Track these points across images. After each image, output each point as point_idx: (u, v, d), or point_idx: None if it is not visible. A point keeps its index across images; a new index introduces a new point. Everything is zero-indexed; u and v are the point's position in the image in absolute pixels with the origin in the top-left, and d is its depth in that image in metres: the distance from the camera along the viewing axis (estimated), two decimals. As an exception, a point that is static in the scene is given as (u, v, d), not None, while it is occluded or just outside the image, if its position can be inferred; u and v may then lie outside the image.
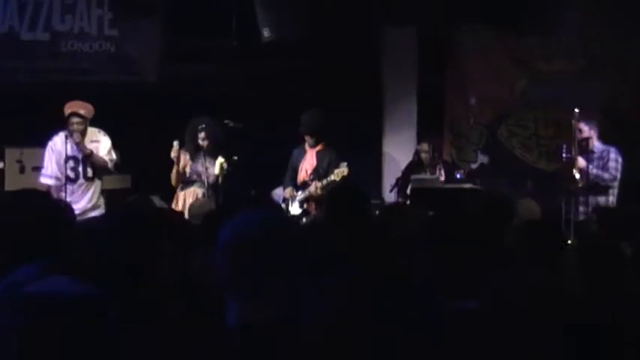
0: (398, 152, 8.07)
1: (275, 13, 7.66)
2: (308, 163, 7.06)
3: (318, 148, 7.06)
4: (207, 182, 6.85)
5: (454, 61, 8.55)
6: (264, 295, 1.82)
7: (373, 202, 7.18)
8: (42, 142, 7.54)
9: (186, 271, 2.42)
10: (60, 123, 6.63)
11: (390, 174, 7.81)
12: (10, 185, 7.86)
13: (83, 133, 6.58)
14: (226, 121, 7.23)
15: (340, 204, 3.85)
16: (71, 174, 6.64)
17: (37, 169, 7.66)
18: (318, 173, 6.98)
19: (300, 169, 7.10)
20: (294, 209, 6.95)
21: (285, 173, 7.26)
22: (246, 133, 7.26)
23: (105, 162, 6.70)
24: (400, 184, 7.33)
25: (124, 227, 2.22)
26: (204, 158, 6.93)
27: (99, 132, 6.72)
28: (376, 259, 2.83)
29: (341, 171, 6.69)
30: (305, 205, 6.95)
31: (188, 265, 2.48)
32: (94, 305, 1.50)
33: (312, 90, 7.99)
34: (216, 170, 6.83)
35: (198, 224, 3.63)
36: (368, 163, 7.70)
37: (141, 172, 7.81)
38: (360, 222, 3.64)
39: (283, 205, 6.94)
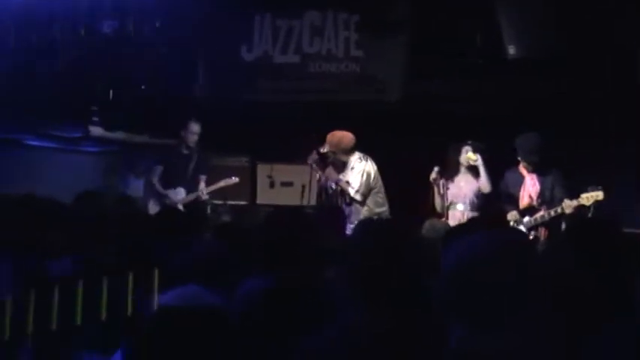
0: None
1: (522, 29, 7.53)
2: (530, 187, 6.80)
3: (537, 172, 6.80)
4: (468, 200, 7.00)
5: None
6: (489, 322, 1.75)
7: (631, 230, 6.84)
8: (290, 159, 8.28)
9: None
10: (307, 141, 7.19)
11: None
12: (261, 199, 8.58)
13: (341, 164, 7.11)
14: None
15: (585, 237, 3.61)
16: (333, 197, 7.21)
17: (286, 184, 8.45)
18: (545, 197, 6.74)
19: (521, 194, 6.84)
20: None
21: (500, 197, 7.02)
22: (489, 153, 7.20)
23: (347, 190, 7.08)
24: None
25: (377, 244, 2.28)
26: (466, 175, 7.07)
27: (359, 158, 7.14)
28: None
29: (594, 195, 6.38)
30: (534, 232, 6.70)
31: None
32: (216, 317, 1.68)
33: (561, 111, 7.74)
34: (467, 158, 6.93)
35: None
36: (626, 187, 7.27)
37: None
38: (608, 257, 3.37)
39: None
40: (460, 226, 4.67)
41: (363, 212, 7.11)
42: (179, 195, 7.66)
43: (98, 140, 9.08)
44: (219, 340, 1.70)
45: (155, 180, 7.68)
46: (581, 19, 7.30)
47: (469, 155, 6.99)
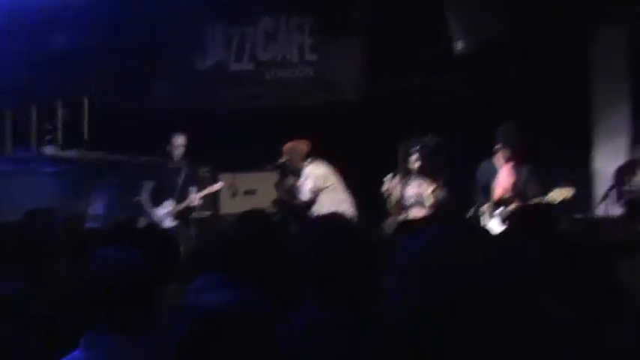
0: (609, 161, 7.67)
1: (467, 19, 7.74)
2: (504, 178, 6.92)
3: (512, 162, 6.91)
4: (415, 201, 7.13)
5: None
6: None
7: (580, 216, 7.08)
8: (252, 167, 8.39)
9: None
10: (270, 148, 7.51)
11: (601, 185, 7.53)
12: (224, 208, 8.57)
13: (296, 172, 7.48)
14: (427, 137, 7.36)
15: (523, 221, 3.83)
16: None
17: (249, 192, 8.53)
18: (518, 189, 6.85)
19: (495, 184, 6.96)
20: (494, 225, 6.73)
21: (475, 188, 7.13)
22: (449, 147, 7.34)
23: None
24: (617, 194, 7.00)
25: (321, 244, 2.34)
26: (419, 179, 7.18)
27: (307, 164, 7.44)
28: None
29: (564, 192, 6.49)
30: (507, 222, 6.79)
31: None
32: (252, 314, 1.68)
33: (515, 99, 7.92)
34: (428, 201, 7.07)
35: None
36: (576, 174, 7.39)
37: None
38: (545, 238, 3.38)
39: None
40: (412, 221, 4.84)
41: (323, 212, 7.21)
42: (166, 208, 7.75)
43: (53, 160, 9.06)
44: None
45: (145, 197, 7.77)
46: (527, 8, 7.53)
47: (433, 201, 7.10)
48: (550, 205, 6.23)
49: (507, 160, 6.93)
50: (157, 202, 7.79)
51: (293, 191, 7.52)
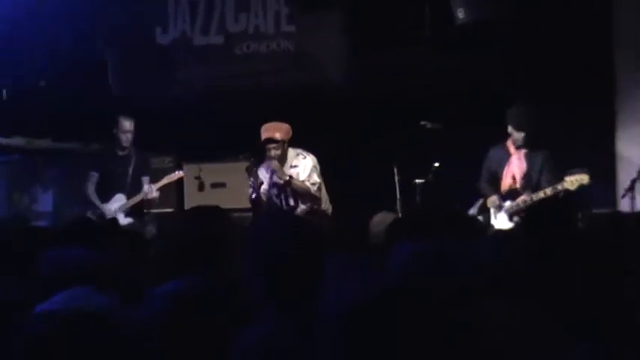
0: (634, 149, 7.51)
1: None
2: (516, 167, 6.70)
3: (526, 149, 6.66)
4: None
5: None
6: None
7: (604, 211, 6.88)
8: (221, 157, 8.14)
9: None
10: (251, 140, 6.81)
11: (626, 176, 7.21)
12: (189, 204, 7.99)
13: (281, 159, 6.65)
14: (423, 123, 7.10)
15: (540, 215, 3.86)
16: (277, 201, 6.78)
17: (217, 185, 8.18)
18: (531, 179, 6.62)
19: (504, 174, 6.73)
20: (502, 222, 6.59)
21: (480, 178, 6.85)
22: (447, 135, 7.04)
23: (306, 188, 6.66)
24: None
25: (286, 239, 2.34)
26: None
27: (298, 155, 6.72)
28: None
29: (579, 178, 6.28)
30: (516, 218, 6.50)
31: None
32: (106, 317, 1.89)
33: (522, 82, 7.67)
34: None
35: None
36: (598, 164, 7.10)
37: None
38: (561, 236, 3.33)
39: (480, 218, 6.59)
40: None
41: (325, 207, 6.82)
42: (118, 202, 7.35)
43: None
44: (103, 341, 1.89)
45: (91, 189, 7.34)
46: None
47: None
48: (568, 199, 6.06)
49: (519, 147, 6.70)
50: (106, 195, 7.32)
51: (294, 183, 6.63)
